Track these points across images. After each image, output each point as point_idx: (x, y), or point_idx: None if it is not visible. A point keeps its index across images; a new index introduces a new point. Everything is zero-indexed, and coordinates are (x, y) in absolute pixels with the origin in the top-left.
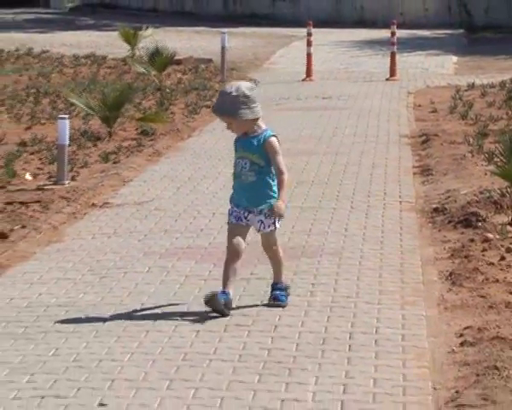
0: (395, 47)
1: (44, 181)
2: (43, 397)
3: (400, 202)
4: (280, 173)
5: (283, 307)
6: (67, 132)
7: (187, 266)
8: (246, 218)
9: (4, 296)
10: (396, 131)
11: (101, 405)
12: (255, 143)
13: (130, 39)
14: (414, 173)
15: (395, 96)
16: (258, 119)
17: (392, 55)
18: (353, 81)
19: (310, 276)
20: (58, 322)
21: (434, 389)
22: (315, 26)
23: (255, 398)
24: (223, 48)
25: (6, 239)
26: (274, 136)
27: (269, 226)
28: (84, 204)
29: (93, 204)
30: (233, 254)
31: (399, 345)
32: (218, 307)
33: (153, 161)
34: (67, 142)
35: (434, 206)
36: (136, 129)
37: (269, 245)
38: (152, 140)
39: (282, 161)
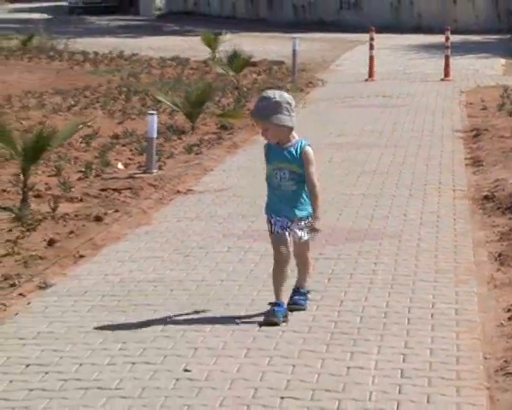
0: (449, 50)
1: (134, 170)
2: (133, 363)
3: (454, 190)
4: (313, 186)
5: (303, 309)
6: (155, 126)
7: (262, 247)
8: (289, 227)
9: (99, 273)
10: (449, 127)
11: (186, 371)
12: (294, 152)
13: (211, 43)
14: (466, 164)
15: (449, 94)
16: (293, 128)
17: (446, 58)
18: (411, 81)
19: (372, 256)
20: (147, 296)
21: (485, 358)
22: (376, 32)
23: (323, 365)
24: (294, 51)
25: (101, 222)
26: (309, 145)
27: (305, 235)
28: (169, 191)
29: (178, 191)
30: (282, 262)
31: (453, 319)
32: (277, 323)
33: (231, 152)
34: (155, 135)
35: (484, 194)
36: (216, 124)
37: (303, 253)
38: (230, 134)
39: (315, 172)
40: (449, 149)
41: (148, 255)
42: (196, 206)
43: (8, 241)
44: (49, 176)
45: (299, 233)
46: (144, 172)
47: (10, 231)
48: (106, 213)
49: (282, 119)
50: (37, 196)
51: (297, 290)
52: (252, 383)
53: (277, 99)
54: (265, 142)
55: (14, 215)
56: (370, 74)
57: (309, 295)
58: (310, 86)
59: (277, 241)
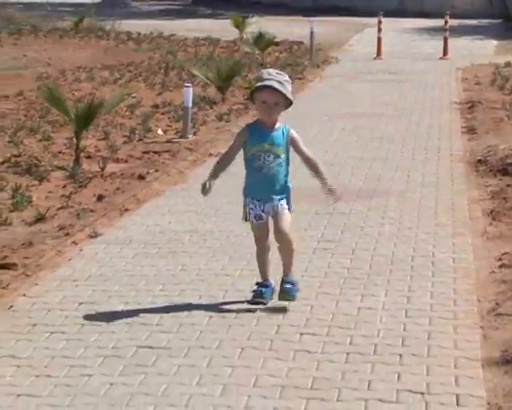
0: (447, 33)
1: (172, 136)
2: (172, 302)
3: (451, 154)
4: (315, 159)
5: (293, 300)
6: (190, 97)
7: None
8: (263, 211)
9: (142, 224)
10: (447, 99)
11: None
12: (281, 136)
13: (239, 25)
14: (462, 132)
15: (447, 71)
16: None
17: (445, 40)
18: (414, 60)
19: (380, 212)
20: (184, 244)
21: (479, 301)
22: (384, 16)
23: (337, 306)
24: (311, 33)
25: (143, 180)
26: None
27: (282, 206)
28: (203, 154)
29: (210, 154)
30: (263, 248)
31: (451, 266)
32: (264, 303)
33: None
34: (190, 105)
35: (478, 158)
36: (243, 95)
37: (283, 228)
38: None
39: (306, 149)
40: (447, 119)
41: (184, 209)
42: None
43: (62, 196)
44: (98, 140)
45: (276, 206)
46: (181, 138)
47: (65, 187)
48: (147, 173)
49: (291, 96)
50: (88, 158)
51: (286, 279)
52: (275, 321)
53: (285, 77)
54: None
55: (68, 174)
56: (378, 53)
57: (298, 286)
58: (325, 63)
59: (254, 230)
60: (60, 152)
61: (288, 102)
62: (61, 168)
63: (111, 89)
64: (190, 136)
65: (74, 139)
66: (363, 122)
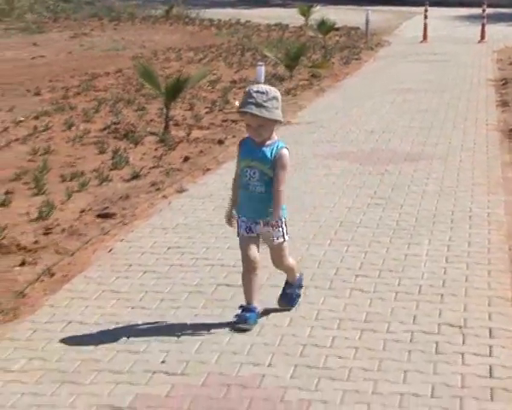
0: (485, 19)
1: None
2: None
3: (487, 124)
4: (278, 191)
5: (291, 308)
6: (263, 74)
7: (342, 165)
8: (254, 231)
9: (221, 181)
10: (484, 77)
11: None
12: (268, 154)
13: (305, 13)
14: (496, 105)
15: (483, 53)
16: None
17: (483, 25)
18: (455, 43)
19: (424, 173)
20: None
21: (509, 249)
22: (430, 5)
23: (388, 252)
24: (367, 20)
25: (222, 144)
26: (286, 148)
27: (277, 238)
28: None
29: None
30: (250, 268)
31: (485, 220)
32: (248, 329)
33: (319, 95)
34: (263, 81)
35: (510, 127)
36: (308, 73)
37: (280, 259)
38: (318, 81)
39: (284, 178)
40: (483, 94)
41: None
42: (293, 134)
43: (154, 157)
44: (184, 110)
45: (271, 236)
46: None
47: (156, 150)
48: (226, 138)
49: (279, 114)
50: (176, 125)
51: (288, 285)
52: (334, 265)
53: (273, 94)
54: (242, 139)
55: (159, 138)
56: (424, 37)
57: (300, 291)
58: (378, 46)
59: (242, 244)
60: (152, 120)
61: (277, 121)
62: (153, 134)
63: (195, 67)
64: None
65: (164, 109)
66: (410, 96)
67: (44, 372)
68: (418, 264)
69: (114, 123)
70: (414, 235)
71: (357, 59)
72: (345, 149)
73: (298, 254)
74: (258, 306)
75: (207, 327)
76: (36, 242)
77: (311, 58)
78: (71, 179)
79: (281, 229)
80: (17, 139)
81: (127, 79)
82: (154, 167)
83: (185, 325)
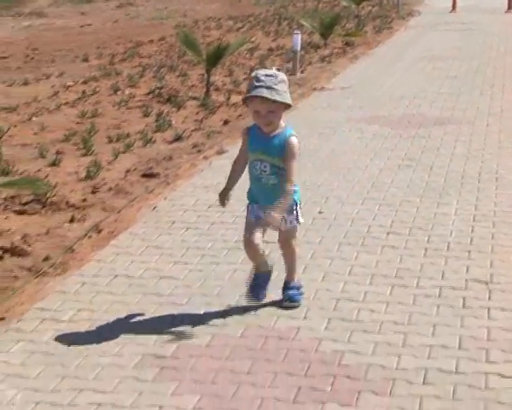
0: None
1: (284, 73)
2: None
3: None
4: (289, 182)
5: (297, 307)
6: (299, 42)
7: (374, 128)
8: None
9: None
10: (511, 45)
11: (320, 212)
12: (277, 143)
13: None
14: None
15: (510, 22)
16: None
17: None
18: (482, 13)
19: (453, 136)
20: None
21: None
22: None
23: (418, 211)
24: None
25: None
26: (295, 136)
27: (291, 222)
28: (308, 88)
29: (314, 88)
30: (248, 250)
31: (511, 181)
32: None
33: (352, 62)
34: (299, 48)
35: None
36: (342, 41)
37: (287, 239)
38: (352, 49)
39: (295, 168)
40: (510, 61)
41: (294, 130)
42: (328, 99)
43: (196, 120)
44: (224, 76)
45: (288, 221)
46: (290, 75)
47: (197, 113)
48: None
49: (289, 98)
50: (216, 90)
51: (289, 285)
52: (367, 222)
53: (282, 77)
54: (247, 125)
55: (200, 103)
56: (453, 7)
57: (302, 290)
58: (409, 16)
59: (248, 228)
60: (193, 85)
61: (287, 105)
62: (195, 98)
63: (234, 35)
64: (298, 73)
65: (205, 75)
66: (439, 64)
67: (92, 322)
68: (447, 222)
69: (158, 88)
70: (443, 195)
71: (388, 28)
72: (377, 113)
73: (332, 212)
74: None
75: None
76: (84, 200)
77: (345, 27)
78: (117, 141)
79: (295, 212)
80: (67, 103)
81: (170, 46)
82: (195, 130)
83: (225, 279)
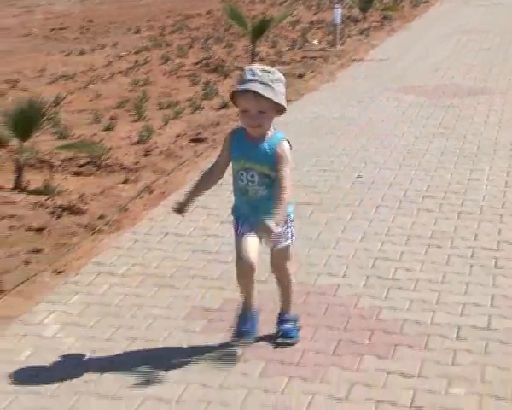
0: None
1: (324, 45)
2: (324, 171)
3: None
4: (282, 187)
5: (293, 344)
6: (339, 16)
7: (410, 98)
8: (253, 229)
9: (301, 111)
10: None
11: (359, 176)
12: (267, 149)
13: None
14: None
15: None
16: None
17: None
18: None
19: (486, 106)
20: (333, 127)
21: None
22: None
23: (451, 177)
24: None
25: (302, 78)
26: (287, 140)
27: (286, 240)
28: (348, 59)
29: (353, 60)
30: (242, 273)
31: None
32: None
33: (389, 35)
34: (339, 22)
35: None
36: (380, 15)
37: (280, 262)
38: (389, 22)
39: (289, 174)
40: None
41: (334, 100)
42: (366, 70)
43: None
44: (268, 47)
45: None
46: (331, 47)
47: None
48: (305, 73)
49: (284, 101)
50: (261, 60)
51: (284, 317)
52: (403, 187)
53: (279, 75)
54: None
55: None
56: None
57: (299, 323)
58: None
59: (238, 243)
60: (239, 56)
61: (280, 108)
62: (241, 68)
63: (277, 9)
64: (338, 46)
65: (250, 46)
66: (473, 36)
67: (144, 277)
68: (480, 187)
69: (205, 58)
70: (476, 162)
71: (425, 2)
72: (413, 83)
73: (370, 176)
74: (256, 307)
75: None
76: (137, 162)
77: (383, 1)
78: (167, 108)
79: (289, 230)
80: (120, 72)
81: (217, 19)
82: None
83: None
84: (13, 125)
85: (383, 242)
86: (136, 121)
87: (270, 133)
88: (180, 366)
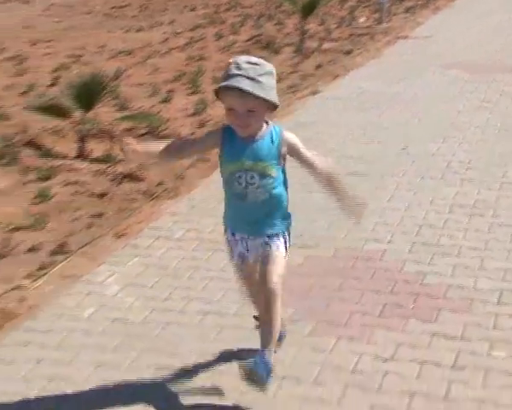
0: None
1: (371, 23)
2: (367, 144)
3: None
4: (328, 168)
5: (260, 387)
6: None
7: (454, 73)
8: (247, 249)
9: (348, 86)
10: None
11: (404, 148)
12: (269, 143)
13: None
14: None
15: None
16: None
17: None
18: None
19: None
20: (378, 102)
21: None
22: None
23: (494, 149)
24: None
25: (349, 55)
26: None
27: (277, 248)
28: (394, 36)
29: (399, 37)
30: (251, 297)
31: None
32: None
33: (434, 13)
34: (386, 0)
35: None
36: None
37: (270, 276)
38: (434, 0)
39: (314, 155)
40: None
41: (380, 75)
42: (411, 47)
43: (291, 64)
44: (317, 25)
45: (262, 248)
46: (377, 24)
47: (292, 58)
48: (352, 50)
49: (276, 97)
50: (310, 37)
51: (260, 354)
52: (447, 158)
53: (269, 68)
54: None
55: (295, 48)
56: None
57: (272, 369)
58: None
59: (239, 270)
60: (289, 33)
61: (271, 103)
62: (290, 45)
63: None
64: (384, 23)
65: (300, 24)
66: (506, 17)
67: (200, 242)
68: None
69: (257, 35)
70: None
71: None
72: (456, 60)
73: (415, 149)
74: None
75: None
76: (192, 133)
77: None
78: None
79: (282, 239)
80: (176, 47)
81: None
82: (291, 73)
83: (319, 205)
84: (76, 97)
85: (427, 211)
86: (191, 94)
87: (265, 127)
88: (234, 323)
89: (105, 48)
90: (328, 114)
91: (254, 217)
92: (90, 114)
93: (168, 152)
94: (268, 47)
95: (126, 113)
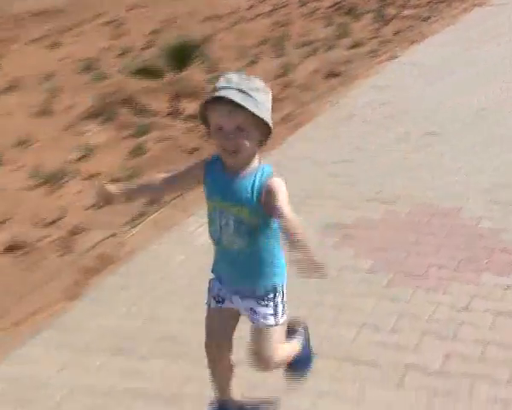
0: None
1: None
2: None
3: None
4: (287, 220)
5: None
6: None
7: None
8: (231, 300)
9: (424, 52)
10: None
11: (481, 110)
12: (247, 186)
13: None
14: None
15: None
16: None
17: None
18: None
19: None
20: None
21: None
22: None
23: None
24: None
25: (426, 21)
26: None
27: (265, 318)
28: (470, 4)
29: (475, 4)
30: (210, 359)
31: None
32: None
33: None
34: None
35: None
36: None
37: (263, 351)
38: None
39: (287, 205)
40: None
41: (456, 42)
42: (487, 14)
43: (371, 30)
44: None
45: (249, 315)
46: None
47: (373, 24)
48: (430, 17)
49: (269, 118)
50: (390, 4)
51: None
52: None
53: (263, 86)
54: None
55: (375, 15)
56: None
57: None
58: None
59: (207, 320)
60: (370, 0)
61: (264, 126)
62: (371, 11)
63: None
64: None
65: None
66: None
67: None
68: None
69: (339, 1)
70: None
71: None
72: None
73: (492, 111)
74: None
75: (416, 164)
76: (279, 93)
77: None
78: (304, 46)
79: (272, 303)
80: (262, 14)
81: None
82: (371, 38)
83: (397, 163)
84: (170, 58)
85: (504, 171)
86: (276, 57)
87: (255, 164)
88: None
89: (195, 14)
90: (403, 78)
91: (232, 267)
92: (182, 75)
93: (167, 182)
94: (350, 13)
95: (215, 74)
